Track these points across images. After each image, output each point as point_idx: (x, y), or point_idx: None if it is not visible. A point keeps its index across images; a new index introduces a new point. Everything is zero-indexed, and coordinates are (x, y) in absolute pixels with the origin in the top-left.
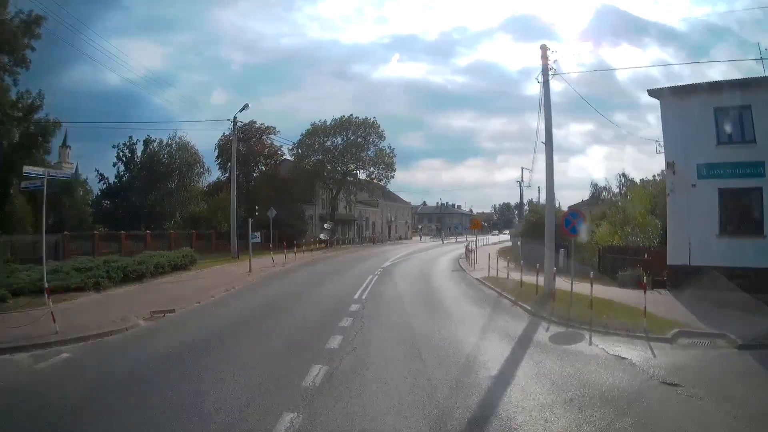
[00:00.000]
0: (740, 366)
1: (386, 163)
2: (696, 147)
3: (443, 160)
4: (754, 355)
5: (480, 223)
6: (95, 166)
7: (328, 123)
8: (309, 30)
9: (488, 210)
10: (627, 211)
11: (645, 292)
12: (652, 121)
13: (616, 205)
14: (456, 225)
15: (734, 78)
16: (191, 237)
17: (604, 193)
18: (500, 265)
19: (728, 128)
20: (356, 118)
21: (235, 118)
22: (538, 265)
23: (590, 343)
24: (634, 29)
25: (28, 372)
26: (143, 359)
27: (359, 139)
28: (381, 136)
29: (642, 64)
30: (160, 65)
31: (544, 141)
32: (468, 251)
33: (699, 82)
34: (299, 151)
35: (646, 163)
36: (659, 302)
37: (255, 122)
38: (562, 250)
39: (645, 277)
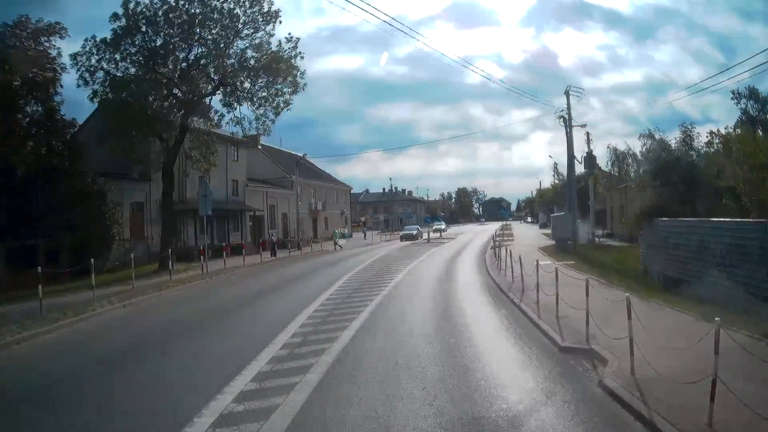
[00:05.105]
0: None
1: (281, 70)
2: None
3: (383, 151)
4: None
5: None
6: None
7: None
8: None
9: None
10: None
11: None
12: (595, 105)
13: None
14: (408, 214)
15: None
16: None
17: (628, 160)
18: None
19: None
20: None
21: None
22: None
23: None
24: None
25: None
26: None
27: (221, 20)
28: (270, 16)
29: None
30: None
31: None
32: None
33: None
34: (92, 61)
35: (584, 146)
36: None
37: (27, 17)
38: None
39: None
